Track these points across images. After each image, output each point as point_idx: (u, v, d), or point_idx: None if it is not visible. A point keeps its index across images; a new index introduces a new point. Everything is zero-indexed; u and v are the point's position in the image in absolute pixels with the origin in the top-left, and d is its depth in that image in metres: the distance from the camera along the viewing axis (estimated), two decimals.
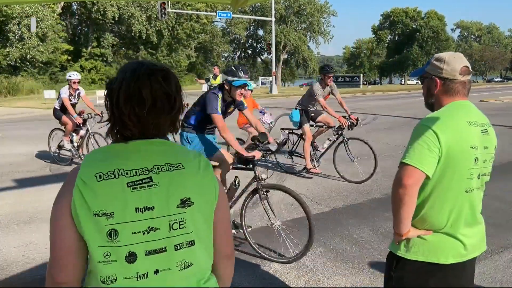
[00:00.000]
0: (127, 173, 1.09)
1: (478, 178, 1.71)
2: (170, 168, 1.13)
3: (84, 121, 7.44)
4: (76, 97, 7.64)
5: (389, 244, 1.87)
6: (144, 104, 1.12)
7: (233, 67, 4.00)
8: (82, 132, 7.60)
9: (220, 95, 3.96)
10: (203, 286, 1.20)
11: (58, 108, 7.61)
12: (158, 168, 1.12)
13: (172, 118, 1.20)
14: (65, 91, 7.48)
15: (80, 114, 7.45)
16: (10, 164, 7.70)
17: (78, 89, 7.59)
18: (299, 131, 6.81)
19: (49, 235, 1.12)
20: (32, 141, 10.29)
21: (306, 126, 6.62)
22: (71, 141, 7.62)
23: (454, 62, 1.73)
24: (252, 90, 7.20)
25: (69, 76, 7.56)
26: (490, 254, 3.69)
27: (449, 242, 1.70)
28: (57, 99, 7.71)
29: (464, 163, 1.65)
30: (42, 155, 8.49)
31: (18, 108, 19.89)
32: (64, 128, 7.60)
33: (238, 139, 7.31)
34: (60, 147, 7.81)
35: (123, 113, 1.14)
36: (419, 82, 1.96)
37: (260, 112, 7.36)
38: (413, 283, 1.75)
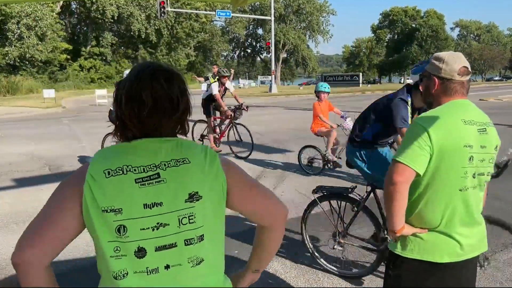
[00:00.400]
0: (135, 170, 1.10)
1: (474, 177, 1.71)
2: (177, 164, 1.14)
3: None
4: None
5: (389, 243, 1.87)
6: (144, 105, 1.13)
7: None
8: None
9: (409, 100, 3.07)
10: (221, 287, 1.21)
11: (114, 110, 7.31)
12: (165, 164, 1.13)
13: (177, 121, 1.20)
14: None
15: None
16: (10, 164, 7.69)
17: None
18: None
19: (41, 211, 1.11)
20: (31, 141, 10.28)
21: None
22: None
23: (453, 62, 1.74)
24: (329, 93, 6.56)
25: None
26: (489, 253, 3.67)
27: (444, 241, 1.71)
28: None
29: (457, 161, 1.66)
30: (41, 155, 8.48)
31: (17, 108, 19.87)
32: None
33: (310, 146, 6.71)
34: None
35: (124, 113, 1.15)
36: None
37: (342, 117, 6.45)
38: (410, 281, 1.76)
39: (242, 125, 8.12)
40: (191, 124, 5.61)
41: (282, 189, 5.75)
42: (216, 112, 8.68)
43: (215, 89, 8.03)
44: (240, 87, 46.96)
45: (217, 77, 8.39)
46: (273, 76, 34.53)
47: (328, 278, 3.33)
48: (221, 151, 8.10)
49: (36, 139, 10.57)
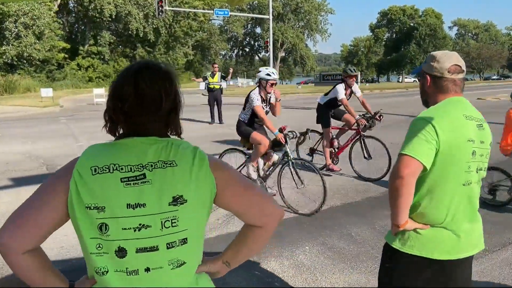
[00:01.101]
0: (122, 169, 1.10)
1: (476, 172, 1.72)
2: (163, 166, 1.13)
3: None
4: (268, 104, 5.34)
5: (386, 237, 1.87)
6: (126, 101, 1.14)
7: None
8: (275, 157, 5.28)
9: None
10: (198, 286, 1.20)
11: (246, 121, 5.31)
12: (151, 165, 1.13)
13: (163, 119, 1.19)
14: (257, 96, 5.13)
15: (281, 130, 4.92)
16: (7, 163, 7.66)
17: (270, 93, 5.27)
18: None
19: (26, 201, 1.12)
20: (29, 140, 10.25)
21: None
22: (257, 169, 5.33)
23: (444, 61, 1.77)
24: None
25: (267, 74, 5.14)
26: (488, 252, 3.69)
27: (445, 237, 1.71)
28: (244, 108, 5.34)
29: (461, 156, 1.67)
30: (39, 154, 8.45)
31: (14, 107, 19.79)
32: (248, 148, 5.38)
33: (494, 168, 4.85)
34: None
35: (110, 108, 1.17)
36: (417, 80, 2.02)
37: None
38: (406, 276, 1.76)
39: (374, 138, 6.33)
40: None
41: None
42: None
43: (342, 92, 6.31)
44: (239, 86, 46.94)
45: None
46: None
47: (326, 278, 3.33)
48: (340, 170, 6.61)
49: (33, 138, 10.53)
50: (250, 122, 5.28)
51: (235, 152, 5.59)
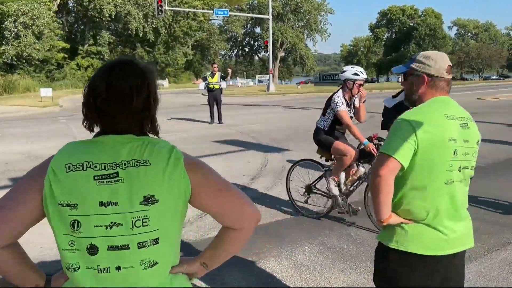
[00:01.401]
0: (95, 166, 1.11)
1: (459, 171, 1.75)
2: (136, 164, 1.13)
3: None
4: (352, 109, 4.66)
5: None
6: (98, 96, 1.14)
7: None
8: (361, 170, 4.53)
9: None
10: (172, 286, 1.19)
11: (326, 128, 4.60)
12: (125, 164, 1.12)
13: (135, 117, 1.18)
14: (341, 99, 4.46)
15: (371, 139, 4.38)
16: (6, 163, 7.65)
17: (355, 96, 4.58)
18: None
19: (2, 199, 1.13)
20: (28, 140, 10.26)
21: None
22: (338, 184, 4.57)
23: (441, 61, 1.81)
24: None
25: (354, 74, 4.45)
26: (487, 252, 3.69)
27: (429, 233, 1.74)
28: (323, 114, 4.66)
29: (442, 155, 1.70)
30: (38, 154, 8.45)
31: (14, 107, 19.78)
32: (326, 160, 4.75)
33: None
34: (309, 189, 4.82)
35: (85, 104, 1.18)
36: (400, 79, 2.02)
37: None
38: (397, 273, 1.78)
39: None
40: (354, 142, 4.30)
41: (279, 189, 5.74)
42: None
43: None
44: (238, 86, 46.95)
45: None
46: (271, 75, 34.46)
47: (325, 278, 3.33)
48: None
49: (33, 138, 10.53)
50: (331, 129, 4.59)
51: (311, 164, 4.91)
